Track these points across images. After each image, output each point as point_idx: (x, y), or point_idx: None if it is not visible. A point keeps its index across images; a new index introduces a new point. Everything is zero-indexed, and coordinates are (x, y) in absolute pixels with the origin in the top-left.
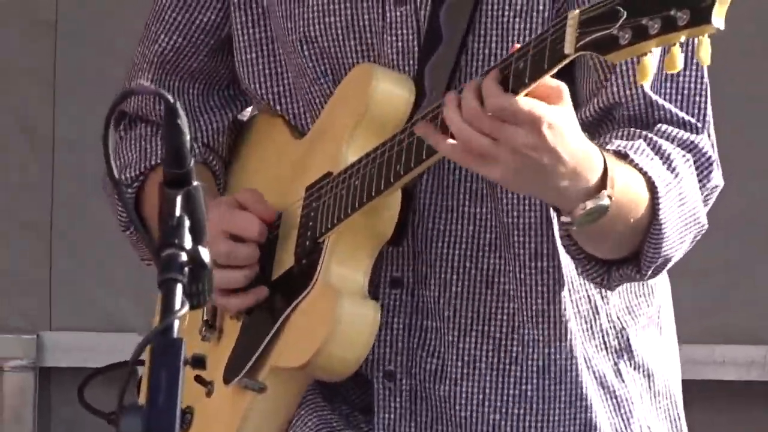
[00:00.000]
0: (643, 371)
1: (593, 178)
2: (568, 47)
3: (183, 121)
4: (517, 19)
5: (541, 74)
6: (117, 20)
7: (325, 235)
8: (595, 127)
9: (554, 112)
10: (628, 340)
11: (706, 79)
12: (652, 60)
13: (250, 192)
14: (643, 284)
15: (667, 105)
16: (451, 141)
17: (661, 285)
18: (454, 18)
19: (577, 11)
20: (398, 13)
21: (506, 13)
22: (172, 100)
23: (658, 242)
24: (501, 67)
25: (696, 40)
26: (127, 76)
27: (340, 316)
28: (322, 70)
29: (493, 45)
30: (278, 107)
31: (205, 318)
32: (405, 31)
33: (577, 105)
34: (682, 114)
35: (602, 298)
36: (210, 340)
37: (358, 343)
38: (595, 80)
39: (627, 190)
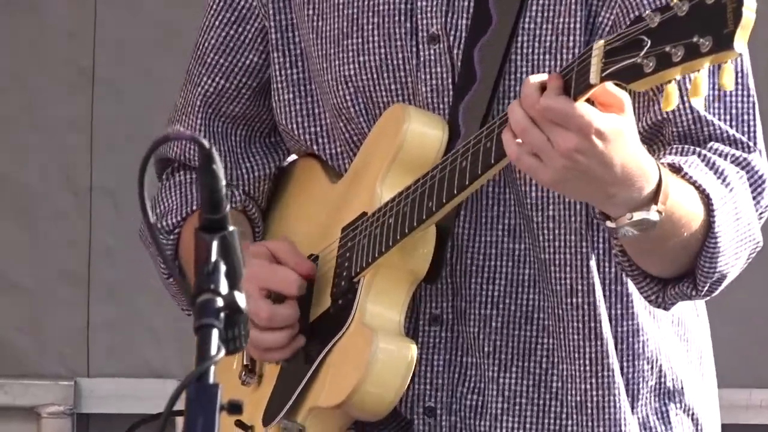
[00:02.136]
0: (690, 414)
1: (645, 189)
2: (594, 77)
3: (218, 167)
4: (547, 56)
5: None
6: (154, 69)
7: (361, 274)
8: (647, 146)
9: (607, 120)
10: (674, 381)
11: (753, 97)
12: (675, 87)
13: (284, 243)
14: (684, 329)
15: (716, 121)
16: (511, 135)
17: (701, 331)
18: (488, 56)
19: (602, 41)
20: (431, 51)
21: (536, 50)
22: (207, 146)
23: (714, 256)
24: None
25: (721, 65)
26: (170, 121)
27: (375, 355)
28: (357, 110)
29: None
30: (315, 147)
31: (245, 363)
32: (439, 69)
33: None
34: (732, 131)
35: (646, 339)
36: (250, 384)
37: (394, 381)
38: (645, 99)
39: (680, 205)
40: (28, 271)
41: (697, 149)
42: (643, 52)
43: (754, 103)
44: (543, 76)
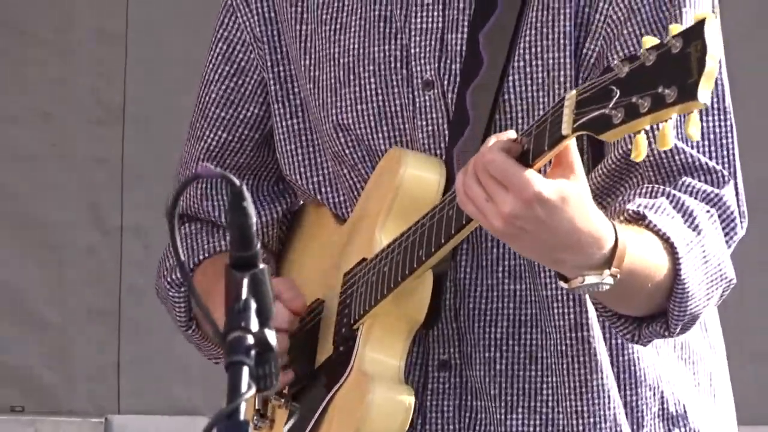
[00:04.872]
0: None
1: (597, 255)
2: (566, 128)
3: (249, 204)
4: (540, 93)
5: (542, 155)
6: (184, 107)
7: (359, 321)
8: (622, 176)
9: (551, 186)
10: (676, 406)
11: (730, 120)
12: (644, 138)
13: (283, 281)
14: (690, 352)
15: (688, 149)
16: (462, 180)
17: (710, 352)
18: (480, 98)
19: (574, 91)
20: (426, 97)
21: (529, 87)
22: (238, 183)
23: (682, 301)
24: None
25: (687, 114)
26: (176, 176)
27: (372, 402)
28: (359, 157)
29: (519, 120)
30: (319, 196)
31: (256, 407)
32: (434, 115)
33: (603, 156)
34: (705, 160)
35: (647, 366)
36: (262, 429)
37: (392, 427)
38: None
39: (642, 259)
40: (59, 309)
41: (667, 189)
42: (612, 103)
43: (731, 126)
44: (507, 134)
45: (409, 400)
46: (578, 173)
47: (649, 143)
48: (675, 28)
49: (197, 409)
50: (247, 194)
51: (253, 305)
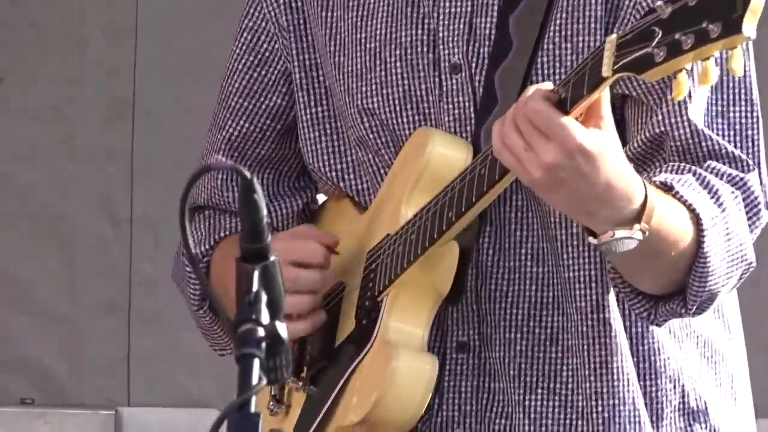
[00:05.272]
0: None
1: (627, 208)
2: (606, 70)
3: (259, 196)
4: None
5: (580, 100)
6: (193, 100)
7: (384, 292)
8: (647, 160)
9: (591, 136)
10: (697, 401)
11: (757, 112)
12: (686, 76)
13: (304, 226)
14: (712, 351)
15: (714, 136)
16: (500, 127)
17: (733, 354)
18: (509, 79)
19: (614, 35)
20: (453, 81)
21: (557, 70)
22: (248, 176)
23: (703, 276)
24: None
25: (731, 50)
26: (198, 165)
27: (396, 369)
28: (383, 142)
29: None
30: (342, 184)
31: (273, 393)
32: (461, 99)
33: (626, 143)
34: (731, 148)
35: (668, 358)
36: (278, 414)
37: (415, 395)
38: (643, 112)
39: (668, 224)
40: (69, 301)
41: (693, 168)
42: (654, 42)
43: (758, 118)
44: (545, 85)
45: (434, 369)
46: (611, 125)
47: (673, 133)
48: None
49: (207, 402)
50: (258, 186)
51: (264, 297)
